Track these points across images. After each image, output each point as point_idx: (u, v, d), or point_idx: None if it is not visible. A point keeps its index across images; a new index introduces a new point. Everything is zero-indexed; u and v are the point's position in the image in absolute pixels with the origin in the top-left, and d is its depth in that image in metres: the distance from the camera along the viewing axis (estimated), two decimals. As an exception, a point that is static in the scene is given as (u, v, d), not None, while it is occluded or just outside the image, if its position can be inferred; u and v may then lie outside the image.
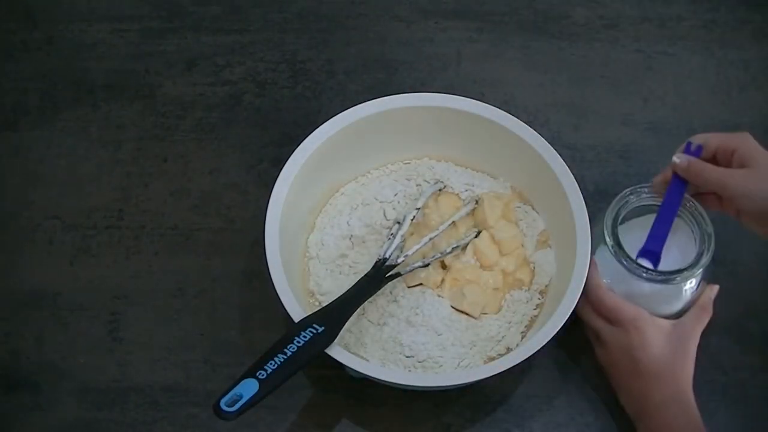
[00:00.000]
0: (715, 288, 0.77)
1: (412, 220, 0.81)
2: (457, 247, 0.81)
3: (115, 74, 0.97)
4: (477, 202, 0.84)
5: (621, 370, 0.74)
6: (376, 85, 0.95)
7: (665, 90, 0.96)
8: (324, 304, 0.76)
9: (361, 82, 0.96)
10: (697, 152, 0.75)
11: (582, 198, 0.78)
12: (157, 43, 0.99)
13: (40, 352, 0.82)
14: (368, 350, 0.77)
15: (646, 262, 0.76)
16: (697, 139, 0.75)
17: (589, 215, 0.77)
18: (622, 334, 0.74)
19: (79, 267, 0.86)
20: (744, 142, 0.73)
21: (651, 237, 0.76)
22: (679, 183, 0.75)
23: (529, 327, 0.79)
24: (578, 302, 0.74)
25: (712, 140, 0.75)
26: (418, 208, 0.82)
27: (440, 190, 0.85)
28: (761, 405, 0.79)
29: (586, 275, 0.74)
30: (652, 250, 0.76)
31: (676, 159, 0.75)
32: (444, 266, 0.82)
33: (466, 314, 0.79)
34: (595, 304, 0.76)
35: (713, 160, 0.75)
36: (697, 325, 0.75)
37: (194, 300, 0.84)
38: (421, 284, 0.81)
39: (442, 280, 0.81)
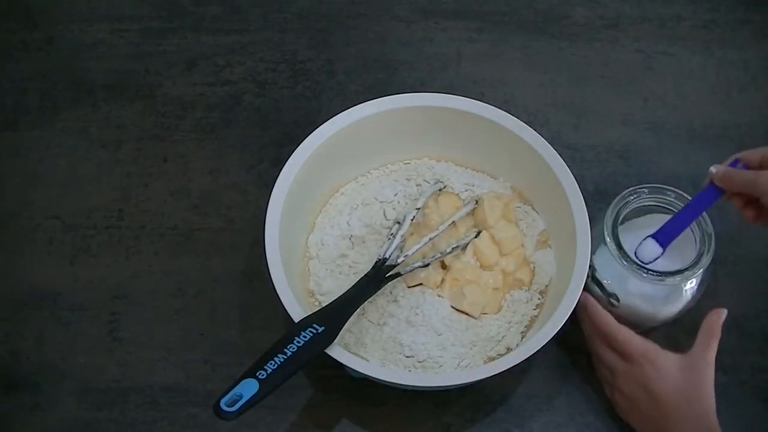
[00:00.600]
0: (723, 312, 0.75)
1: (412, 220, 0.81)
2: (457, 247, 0.81)
3: (115, 74, 0.97)
4: (477, 202, 0.84)
5: (640, 404, 0.73)
6: (376, 85, 0.95)
7: (665, 90, 0.96)
8: (324, 304, 0.76)
9: (361, 82, 0.96)
10: (718, 193, 0.74)
11: (582, 198, 0.78)
12: (157, 43, 0.99)
13: (40, 352, 0.82)
14: (368, 350, 0.77)
15: (649, 244, 0.75)
16: (745, 156, 0.74)
17: (589, 215, 0.77)
18: (636, 369, 0.73)
19: (79, 267, 0.86)
20: None
21: (663, 230, 0.75)
22: (713, 190, 0.74)
23: (529, 327, 0.79)
24: (578, 304, 0.73)
25: (759, 151, 0.74)
26: (418, 208, 0.82)
27: (440, 190, 0.85)
28: (761, 405, 0.79)
29: (586, 275, 0.74)
30: (659, 241, 0.75)
31: (713, 169, 0.74)
32: (444, 266, 0.82)
33: (466, 314, 0.79)
34: (608, 339, 0.75)
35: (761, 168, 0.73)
36: (707, 351, 0.73)
37: (194, 300, 0.84)
38: (421, 284, 0.81)
39: (442, 280, 0.81)
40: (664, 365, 0.72)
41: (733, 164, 0.74)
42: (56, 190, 0.90)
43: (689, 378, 0.72)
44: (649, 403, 0.72)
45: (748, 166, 0.74)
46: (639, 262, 0.75)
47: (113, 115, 0.95)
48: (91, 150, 0.93)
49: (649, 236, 0.75)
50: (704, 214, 0.75)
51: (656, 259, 0.75)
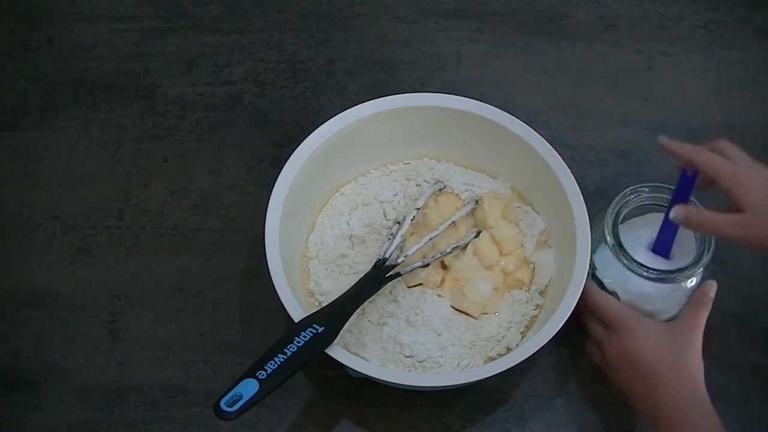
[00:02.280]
0: (714, 285, 0.74)
1: (412, 220, 0.81)
2: (457, 247, 0.81)
3: (115, 74, 0.97)
4: (477, 202, 0.84)
5: (624, 375, 0.73)
6: (376, 85, 0.95)
7: (665, 90, 0.96)
8: (324, 304, 0.76)
9: (361, 82, 0.96)
10: (693, 178, 0.74)
11: (582, 198, 0.78)
12: (157, 43, 0.99)
13: (40, 352, 0.82)
14: (368, 350, 0.77)
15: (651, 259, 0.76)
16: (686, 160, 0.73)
17: (589, 215, 0.77)
18: (615, 338, 0.73)
19: (79, 267, 0.86)
20: (724, 174, 0.71)
21: (657, 244, 0.77)
22: (687, 185, 0.74)
23: (529, 327, 0.79)
24: (578, 304, 0.73)
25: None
26: (418, 208, 0.82)
27: (440, 190, 0.85)
28: (761, 405, 0.79)
29: (586, 275, 0.74)
30: (661, 254, 0.77)
31: (672, 214, 0.73)
32: (444, 266, 0.82)
33: (466, 314, 0.79)
34: (590, 306, 0.75)
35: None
36: (693, 319, 0.72)
37: (194, 300, 0.84)
38: (421, 284, 0.81)
39: (442, 280, 0.81)
40: (644, 332, 0.72)
41: (684, 178, 0.74)
42: (56, 190, 0.90)
43: (673, 346, 0.71)
44: (632, 372, 0.72)
45: (697, 173, 0.73)
46: (639, 262, 0.75)
47: (113, 115, 0.95)
48: (91, 150, 0.93)
49: (651, 252, 0.77)
50: None
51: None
